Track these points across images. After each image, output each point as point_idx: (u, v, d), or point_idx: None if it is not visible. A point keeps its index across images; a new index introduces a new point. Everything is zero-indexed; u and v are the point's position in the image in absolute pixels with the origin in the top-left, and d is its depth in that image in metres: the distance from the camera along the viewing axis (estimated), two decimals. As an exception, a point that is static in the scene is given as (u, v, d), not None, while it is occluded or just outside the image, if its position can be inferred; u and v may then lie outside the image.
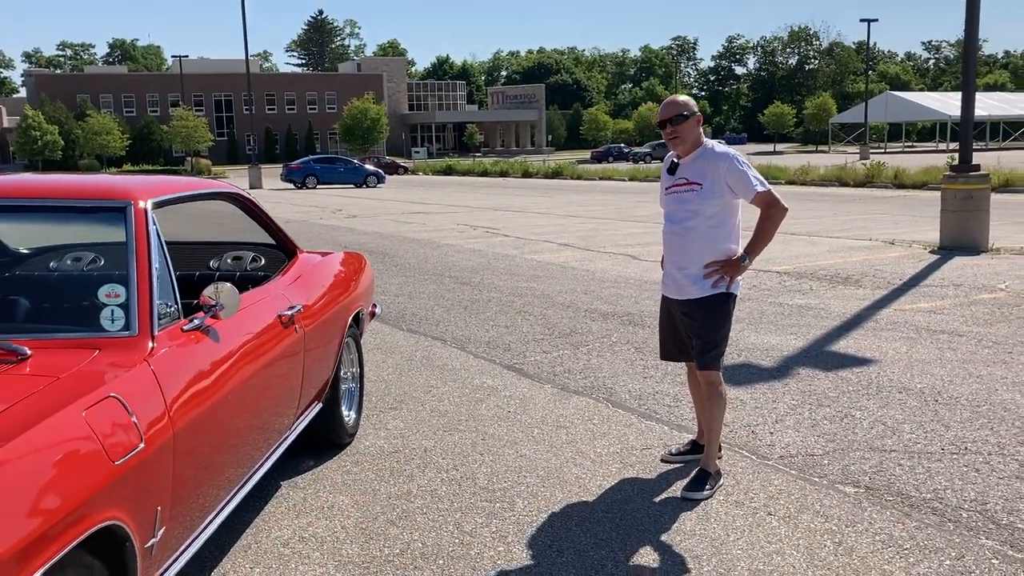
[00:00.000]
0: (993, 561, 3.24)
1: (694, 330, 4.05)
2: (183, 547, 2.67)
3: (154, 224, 2.88)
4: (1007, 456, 4.29)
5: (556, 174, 42.13)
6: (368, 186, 38.24)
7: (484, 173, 47.52)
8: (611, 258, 12.03)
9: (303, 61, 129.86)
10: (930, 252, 11.75)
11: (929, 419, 4.87)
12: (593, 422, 4.99)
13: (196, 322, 2.85)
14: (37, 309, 2.92)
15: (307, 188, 37.98)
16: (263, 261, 4.43)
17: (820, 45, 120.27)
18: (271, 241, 4.45)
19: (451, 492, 4.01)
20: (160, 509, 2.38)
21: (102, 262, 3.42)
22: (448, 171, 51.63)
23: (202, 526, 2.81)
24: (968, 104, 12.42)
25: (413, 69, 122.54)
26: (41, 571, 1.82)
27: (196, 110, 71.26)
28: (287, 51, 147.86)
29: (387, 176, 41.98)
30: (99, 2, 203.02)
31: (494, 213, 20.96)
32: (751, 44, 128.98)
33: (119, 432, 2.21)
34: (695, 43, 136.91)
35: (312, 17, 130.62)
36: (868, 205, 19.71)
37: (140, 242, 2.77)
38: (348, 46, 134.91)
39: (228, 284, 2.90)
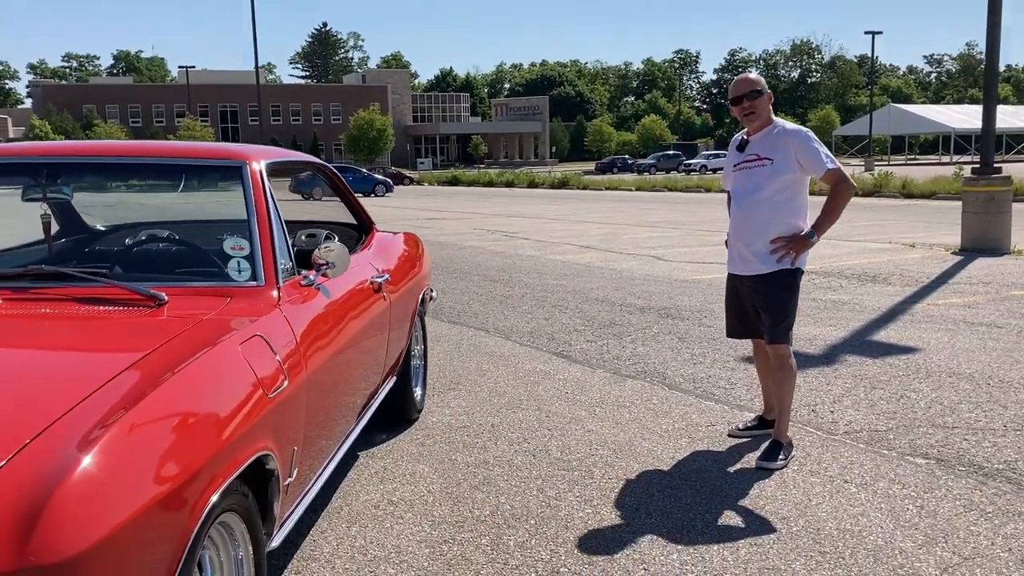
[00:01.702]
0: (1076, 522, 3.30)
1: (763, 305, 4.12)
2: (300, 496, 2.73)
3: (268, 184, 2.97)
4: (1070, 432, 4.35)
5: (562, 184, 42.30)
6: (376, 195, 38.34)
7: (490, 183, 47.72)
8: (635, 259, 12.10)
9: (307, 73, 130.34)
10: (952, 254, 11.82)
11: (985, 400, 4.93)
12: (652, 402, 5.05)
13: (311, 278, 2.93)
14: (167, 261, 3.01)
15: (314, 199, 38.09)
16: (336, 239, 4.51)
17: (822, 58, 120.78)
18: (340, 221, 4.55)
19: (527, 462, 4.07)
20: (296, 450, 2.45)
21: (176, 239, 3.51)
22: (454, 182, 51.81)
23: (312, 479, 2.88)
24: (989, 113, 12.52)
25: (417, 81, 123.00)
26: (218, 492, 1.88)
27: (202, 120, 71.55)
28: (291, 63, 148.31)
29: (394, 186, 42.12)
30: (104, 15, 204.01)
31: (508, 219, 21.06)
32: (753, 57, 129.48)
33: (268, 368, 2.28)
34: (697, 56, 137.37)
35: (316, 29, 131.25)
36: (879, 213, 19.81)
37: (258, 198, 2.86)
38: (352, 58, 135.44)
39: (339, 243, 2.98)
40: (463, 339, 6.90)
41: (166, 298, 2.47)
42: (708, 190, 33.82)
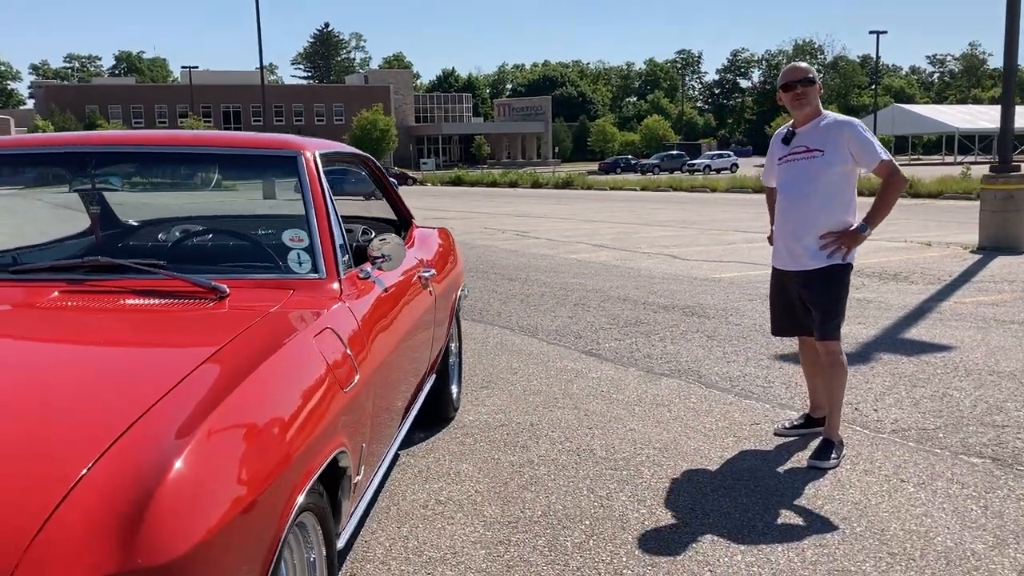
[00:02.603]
0: None
1: (813, 301, 4.03)
2: (361, 496, 2.65)
3: (323, 174, 2.89)
4: (1123, 430, 4.26)
5: (567, 184, 42.22)
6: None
7: (493, 184, 47.63)
8: (651, 258, 12.01)
9: (309, 74, 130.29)
10: (970, 252, 11.73)
11: (1030, 398, 4.85)
12: (691, 401, 4.96)
13: (368, 271, 2.85)
14: (223, 254, 2.93)
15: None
16: (373, 235, 4.42)
17: (825, 59, 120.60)
18: (379, 216, 4.47)
19: (573, 461, 3.99)
20: (363, 446, 2.37)
21: (209, 235, 3.43)
22: (457, 182, 51.71)
23: (372, 477, 2.79)
24: (1008, 112, 12.44)
25: (419, 82, 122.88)
26: (304, 491, 1.80)
27: (205, 121, 71.47)
28: (293, 64, 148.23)
29: (399, 186, 42.09)
30: (105, 15, 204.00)
31: (516, 219, 20.97)
32: (756, 58, 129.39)
33: (341, 362, 2.20)
34: (700, 56, 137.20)
35: (318, 30, 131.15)
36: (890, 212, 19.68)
37: (315, 189, 2.78)
38: (354, 59, 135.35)
39: (394, 236, 2.90)
40: (489, 337, 6.81)
41: (228, 291, 2.39)
42: (714, 190, 33.74)
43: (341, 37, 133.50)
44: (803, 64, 4.06)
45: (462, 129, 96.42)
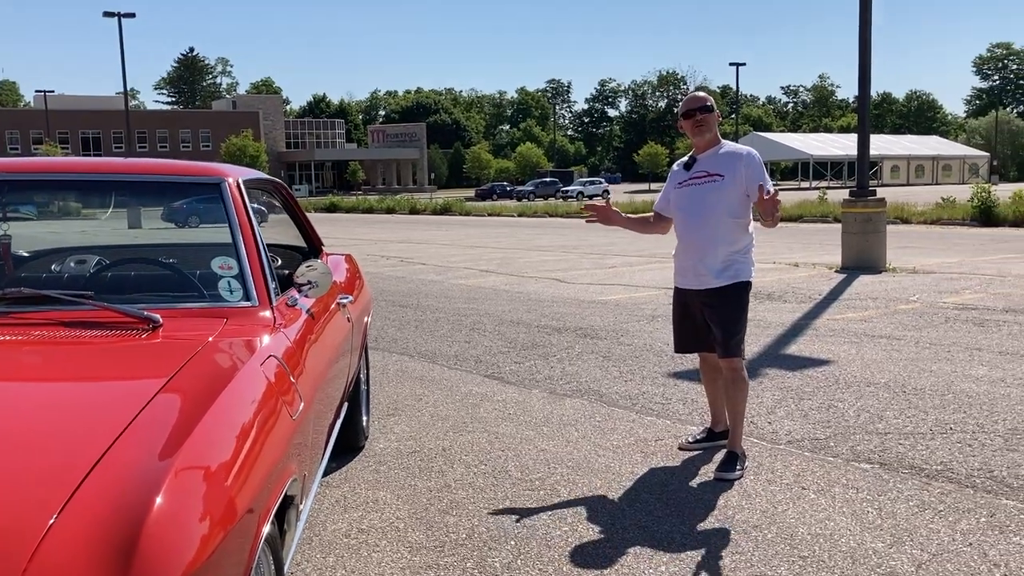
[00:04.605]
0: (1022, 517, 3.52)
1: (716, 319, 4.23)
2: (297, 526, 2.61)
3: (248, 200, 2.86)
4: (990, 433, 4.63)
5: (445, 210, 42.30)
6: (254, 223, 37.34)
7: (370, 210, 47.24)
8: (538, 281, 12.20)
9: (173, 99, 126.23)
10: (835, 272, 12.44)
11: (906, 407, 5.20)
12: (596, 419, 5.09)
13: (296, 297, 2.83)
14: (147, 283, 2.83)
15: (190, 227, 36.80)
16: (280, 261, 4.37)
17: (688, 89, 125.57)
18: (282, 242, 4.42)
19: (490, 483, 4.03)
20: (305, 475, 2.35)
21: (106, 263, 3.33)
22: (333, 208, 50.98)
23: (306, 507, 2.76)
24: (864, 139, 13.31)
25: (289, 107, 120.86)
26: (268, 521, 1.78)
27: (63, 148, 68.13)
28: (156, 88, 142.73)
29: (269, 215, 41.11)
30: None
31: (399, 245, 20.90)
32: (623, 87, 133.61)
33: (287, 390, 2.18)
34: (569, 86, 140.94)
35: (183, 54, 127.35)
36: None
37: (241, 215, 2.75)
38: (220, 84, 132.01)
39: (321, 263, 2.89)
40: (388, 364, 6.78)
41: (161, 320, 2.33)
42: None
43: (207, 62, 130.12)
44: (702, 93, 4.28)
45: (335, 155, 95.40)
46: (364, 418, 4.66)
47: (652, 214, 4.57)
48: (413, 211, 43.53)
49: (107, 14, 38.24)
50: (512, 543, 3.35)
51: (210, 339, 2.26)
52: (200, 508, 1.50)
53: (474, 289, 11.49)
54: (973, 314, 8.44)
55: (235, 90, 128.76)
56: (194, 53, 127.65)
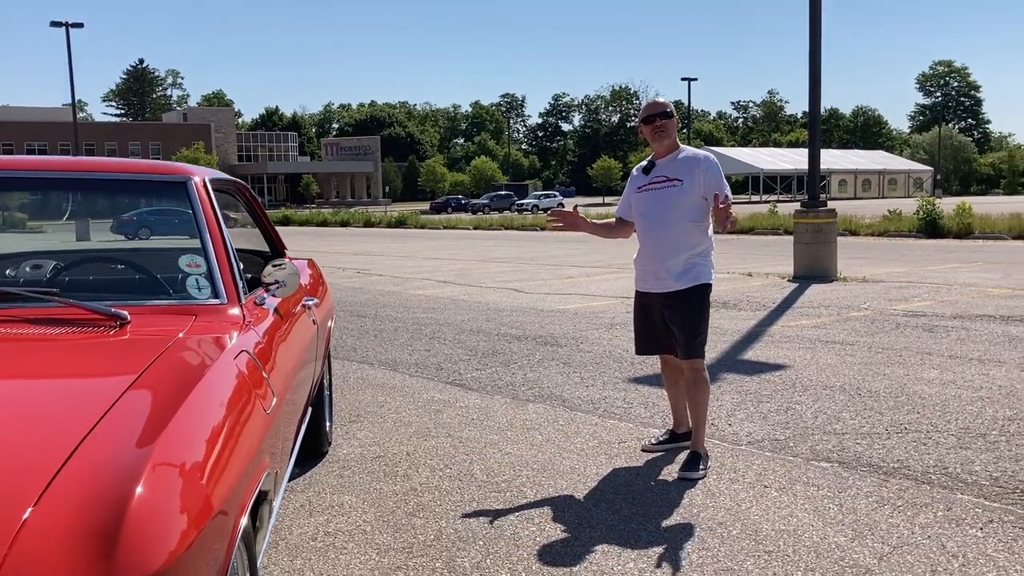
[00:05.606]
0: (976, 510, 3.61)
1: (677, 321, 4.28)
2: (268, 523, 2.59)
3: (215, 198, 2.84)
4: (943, 432, 4.75)
5: (400, 223, 42.17)
6: (207, 235, 36.86)
7: (324, 223, 46.92)
8: (496, 292, 12.23)
9: (122, 111, 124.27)
10: (788, 281, 12.65)
11: (861, 408, 5.30)
12: (559, 423, 5.11)
13: (264, 297, 2.81)
14: (113, 282, 2.79)
15: (140, 239, 36.25)
16: (242, 266, 4.33)
17: (640, 104, 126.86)
18: (245, 247, 4.38)
19: (456, 486, 4.02)
20: (277, 472, 2.33)
21: (63, 266, 3.28)
22: (286, 221, 50.50)
23: (276, 507, 2.73)
24: (814, 153, 13.57)
25: (241, 120, 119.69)
26: (246, 514, 1.76)
27: (6, 158, 66.57)
28: (104, 100, 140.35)
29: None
30: None
31: (355, 256, 20.79)
32: (576, 102, 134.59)
33: (260, 385, 2.17)
34: (523, 100, 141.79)
35: (132, 66, 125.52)
36: (712, 246, 20.98)
37: (208, 213, 2.73)
38: (171, 96, 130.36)
39: (289, 262, 2.88)
40: (349, 372, 6.74)
41: (129, 317, 2.30)
42: (543, 229, 34.66)
43: (157, 74, 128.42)
44: (662, 100, 4.34)
45: (288, 168, 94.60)
46: (327, 423, 4.63)
47: (615, 219, 4.62)
48: (368, 224, 43.35)
49: (54, 24, 37.56)
50: (480, 543, 3.35)
51: (180, 335, 2.23)
52: (180, 498, 1.48)
53: (433, 299, 11.47)
54: (923, 320, 8.64)
55: (186, 102, 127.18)
56: (144, 65, 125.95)
